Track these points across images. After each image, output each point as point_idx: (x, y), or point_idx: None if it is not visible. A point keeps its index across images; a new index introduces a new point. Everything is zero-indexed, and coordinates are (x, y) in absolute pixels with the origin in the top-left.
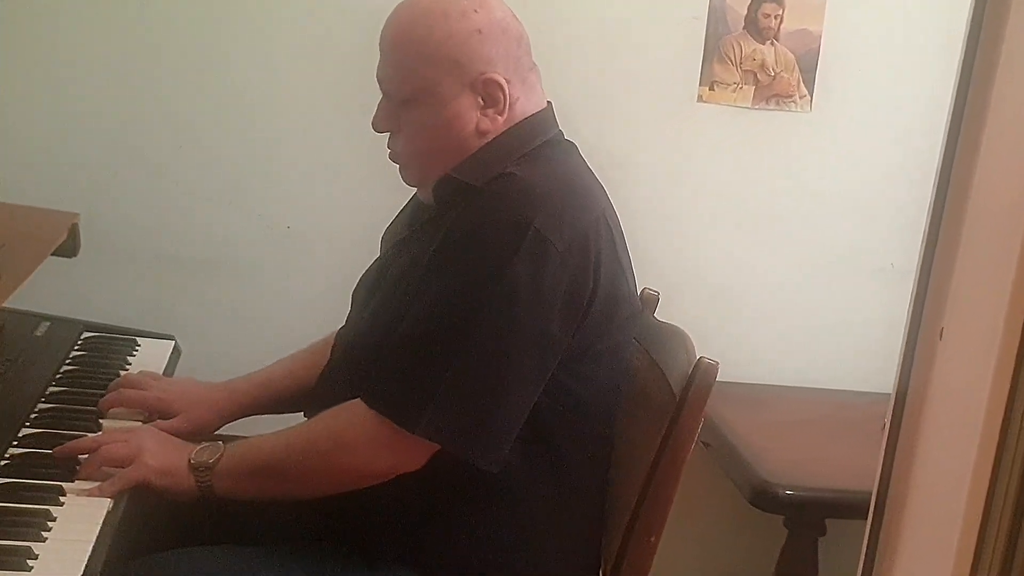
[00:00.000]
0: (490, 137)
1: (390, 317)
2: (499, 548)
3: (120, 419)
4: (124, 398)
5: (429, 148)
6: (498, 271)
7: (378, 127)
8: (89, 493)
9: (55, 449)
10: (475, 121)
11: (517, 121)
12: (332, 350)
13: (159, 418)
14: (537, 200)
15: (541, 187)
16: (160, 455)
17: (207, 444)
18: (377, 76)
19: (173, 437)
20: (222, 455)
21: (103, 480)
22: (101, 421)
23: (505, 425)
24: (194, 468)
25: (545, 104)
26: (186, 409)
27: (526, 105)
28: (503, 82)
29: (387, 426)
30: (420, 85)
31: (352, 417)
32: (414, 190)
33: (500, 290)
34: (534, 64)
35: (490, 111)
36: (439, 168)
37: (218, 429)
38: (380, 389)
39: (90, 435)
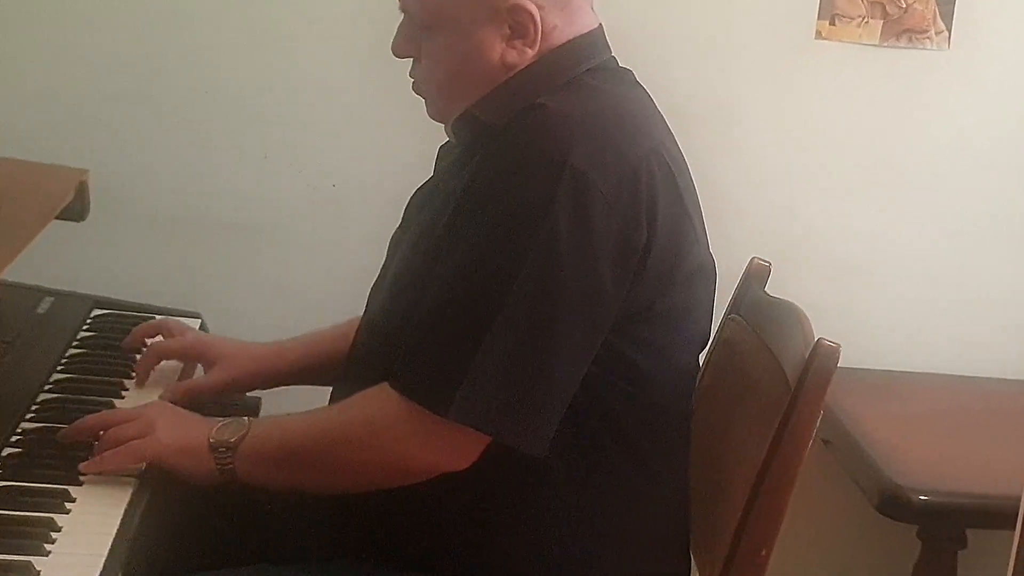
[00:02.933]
0: (517, 68)
1: (411, 283)
2: (563, 560)
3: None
4: (163, 349)
5: (450, 81)
6: (533, 221)
7: (397, 51)
8: (86, 468)
9: (59, 434)
10: (500, 53)
11: (553, 48)
12: (360, 324)
13: (188, 375)
14: (572, 133)
15: (577, 117)
16: (176, 431)
17: (230, 420)
18: None
19: (192, 414)
20: (246, 434)
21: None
22: (115, 401)
23: (550, 400)
24: (214, 447)
25: (594, 26)
26: (227, 356)
27: (566, 31)
28: (534, 10)
29: (417, 412)
30: (440, 10)
31: (385, 402)
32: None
33: (537, 244)
34: None
35: (518, 42)
36: (461, 103)
37: (261, 387)
38: (405, 368)
39: (93, 415)
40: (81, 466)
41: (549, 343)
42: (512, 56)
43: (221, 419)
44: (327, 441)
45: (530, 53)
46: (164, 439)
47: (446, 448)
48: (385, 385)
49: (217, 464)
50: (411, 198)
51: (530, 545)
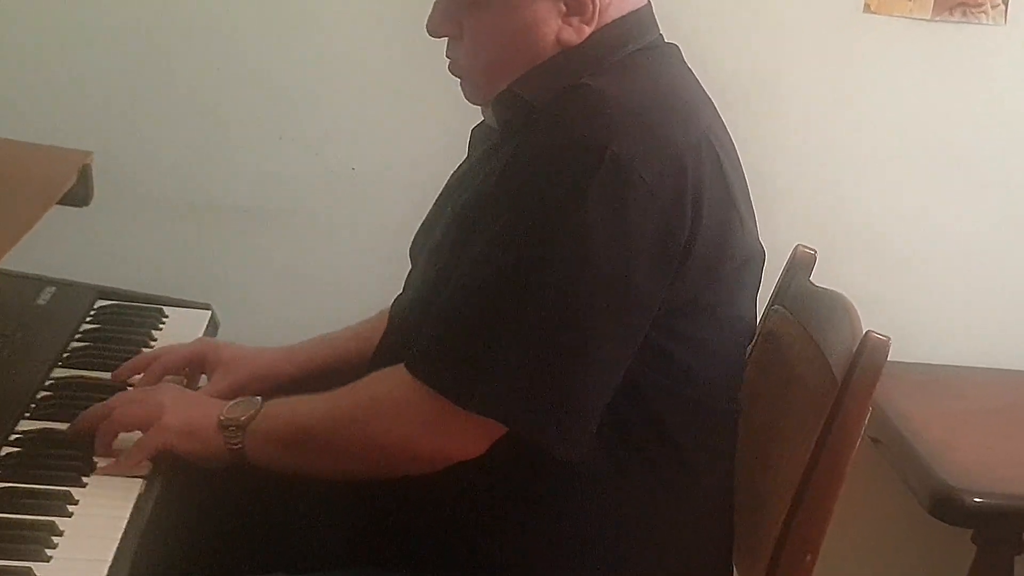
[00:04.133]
0: (570, 46)
1: (443, 272)
2: (599, 565)
3: None
4: (164, 363)
5: (496, 61)
6: (565, 208)
7: (434, 30)
8: (104, 471)
9: (68, 428)
10: (555, 31)
11: (603, 25)
12: (389, 318)
13: (190, 381)
14: (617, 117)
15: (622, 101)
16: (183, 412)
17: (241, 400)
18: None
19: (200, 395)
20: (258, 412)
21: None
22: None
23: (586, 399)
24: (224, 426)
25: (643, 3)
26: (230, 361)
27: (618, 8)
28: None
29: (431, 397)
30: None
31: (394, 385)
32: (481, 119)
33: (570, 231)
34: None
35: (575, 19)
36: (504, 84)
37: (269, 392)
38: (425, 353)
39: (97, 404)
40: (101, 468)
41: (580, 338)
42: (568, 34)
43: (232, 400)
44: (335, 421)
45: (587, 31)
46: (172, 423)
47: (457, 436)
48: (400, 367)
49: (226, 444)
50: (447, 182)
51: (564, 550)
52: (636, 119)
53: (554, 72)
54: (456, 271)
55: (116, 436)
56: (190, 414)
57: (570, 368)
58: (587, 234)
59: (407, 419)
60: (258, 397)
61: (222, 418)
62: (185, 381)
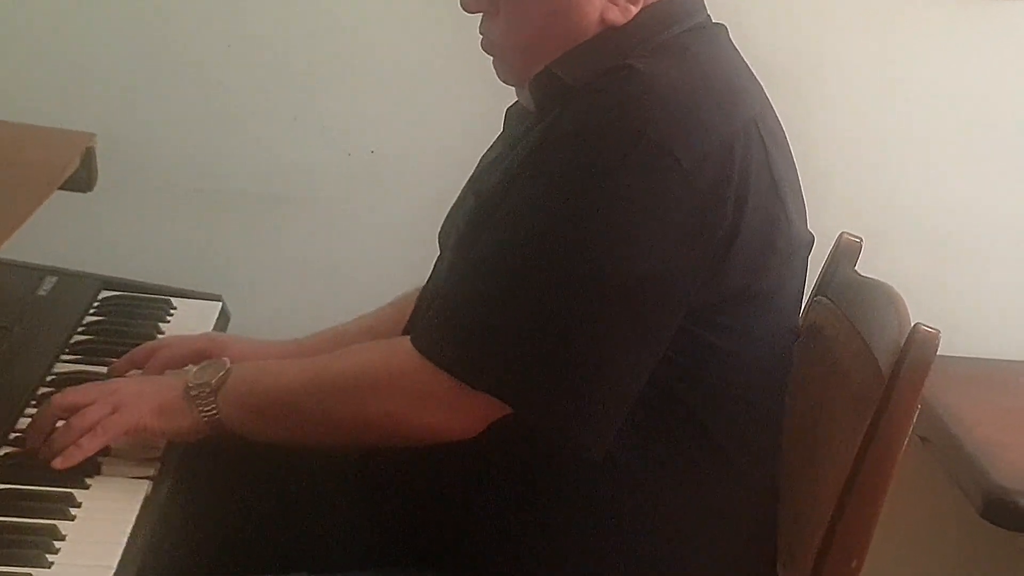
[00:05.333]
0: (615, 26)
1: (462, 258)
2: (635, 568)
3: None
4: (166, 357)
5: (535, 40)
6: (594, 188)
7: (469, 5)
8: (61, 464)
9: (25, 434)
10: (599, 9)
11: (649, 4)
12: (414, 309)
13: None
14: (658, 101)
15: (666, 85)
16: (148, 392)
17: (207, 362)
18: None
19: (161, 376)
20: (227, 375)
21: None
22: None
23: (606, 388)
24: (192, 392)
25: None
26: (235, 358)
27: None
28: None
29: (434, 372)
30: None
31: (389, 354)
32: (515, 100)
33: (597, 208)
34: None
35: None
36: (542, 64)
37: None
38: (433, 325)
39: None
40: (55, 463)
41: (602, 321)
42: (613, 14)
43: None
44: (323, 387)
45: (633, 10)
46: (138, 404)
47: (453, 414)
48: (397, 339)
49: (200, 412)
50: (477, 167)
51: (595, 553)
52: (679, 104)
53: (597, 53)
54: (474, 248)
55: (80, 435)
56: (156, 392)
57: (591, 353)
58: (614, 215)
59: (402, 390)
60: (224, 359)
61: (190, 384)
62: None
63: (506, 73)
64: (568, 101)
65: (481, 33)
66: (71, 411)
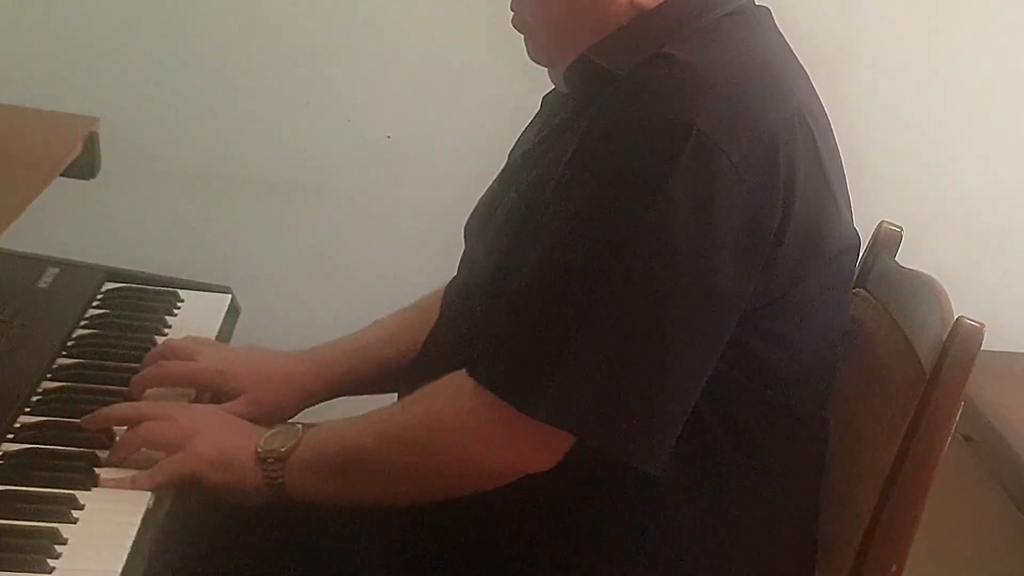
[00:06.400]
0: (647, 9)
1: (508, 257)
2: None
3: (159, 393)
4: (166, 372)
5: (564, 20)
6: (647, 192)
7: None
8: (118, 484)
9: (84, 419)
10: None
11: None
12: (441, 308)
13: (213, 400)
14: (702, 89)
15: (709, 72)
16: (218, 441)
17: (280, 428)
18: None
19: (238, 419)
20: (299, 443)
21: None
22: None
23: (668, 405)
24: (262, 459)
25: None
26: (252, 386)
27: None
28: None
29: (498, 406)
30: None
31: (453, 394)
32: (552, 87)
33: (651, 217)
34: None
35: None
36: (576, 45)
37: (296, 414)
38: (489, 355)
39: (126, 403)
40: (103, 477)
41: (661, 336)
42: None
43: (268, 428)
44: (389, 442)
45: None
46: (204, 451)
47: (530, 447)
48: (458, 375)
49: (265, 477)
50: (511, 156)
51: (629, 566)
52: (723, 93)
53: (633, 39)
54: (523, 259)
55: (137, 450)
56: (225, 443)
57: (650, 370)
58: (670, 220)
59: (471, 431)
60: (298, 424)
61: (260, 450)
62: (194, 394)
63: (536, 53)
64: (607, 90)
65: (512, 9)
66: (142, 420)
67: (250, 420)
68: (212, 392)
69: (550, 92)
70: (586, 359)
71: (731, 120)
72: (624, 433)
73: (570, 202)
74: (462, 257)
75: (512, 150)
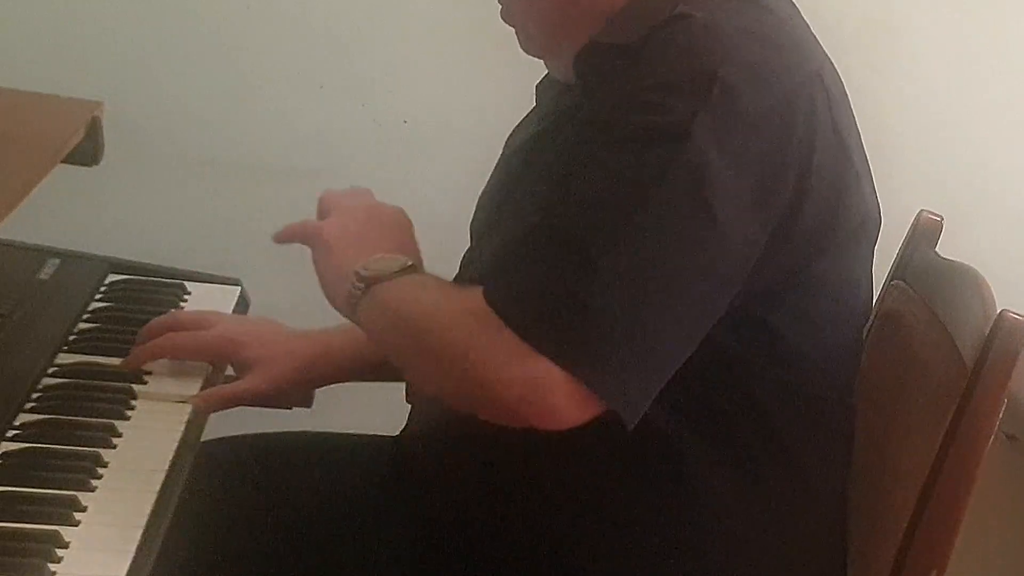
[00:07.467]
0: None
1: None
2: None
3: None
4: (173, 344)
5: (558, 5)
6: (673, 139)
7: None
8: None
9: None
10: None
11: None
12: None
13: (221, 377)
14: (723, 43)
15: (730, 31)
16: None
17: (392, 258)
18: None
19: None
20: (391, 279)
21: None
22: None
23: (655, 357)
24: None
25: None
26: (264, 361)
27: None
28: None
29: (502, 329)
30: None
31: (468, 305)
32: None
33: (679, 158)
34: None
35: None
36: (570, 35)
37: (304, 397)
38: (501, 280)
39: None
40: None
41: (664, 288)
42: None
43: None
44: (427, 323)
45: None
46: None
47: (537, 384)
48: (476, 290)
49: (350, 289)
50: (506, 148)
51: (645, 565)
52: (744, 49)
53: (644, 8)
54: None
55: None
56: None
57: (651, 318)
58: (696, 169)
59: (474, 340)
60: (410, 262)
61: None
62: (211, 368)
63: (527, 45)
64: (623, 61)
65: (499, 3)
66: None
67: (259, 395)
68: (222, 362)
69: (541, 82)
70: (594, 301)
71: (752, 72)
72: (612, 377)
73: (586, 163)
74: (466, 255)
75: (507, 143)
